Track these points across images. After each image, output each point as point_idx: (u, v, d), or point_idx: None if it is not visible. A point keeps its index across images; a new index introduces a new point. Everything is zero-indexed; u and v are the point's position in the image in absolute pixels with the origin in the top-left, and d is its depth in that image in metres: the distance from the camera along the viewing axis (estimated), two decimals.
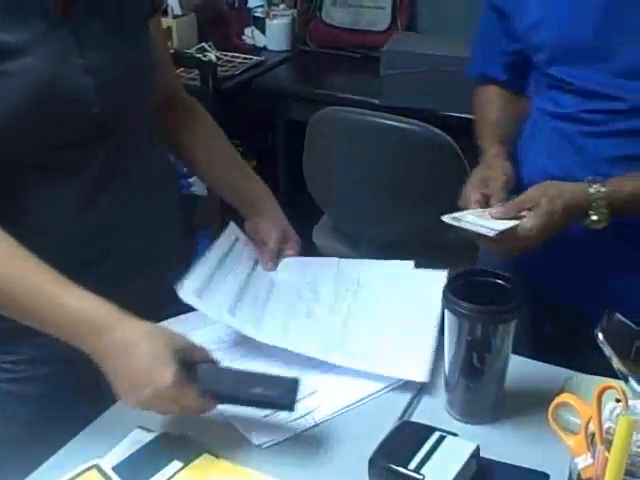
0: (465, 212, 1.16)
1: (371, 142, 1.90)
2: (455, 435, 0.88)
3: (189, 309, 1.05)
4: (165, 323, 0.99)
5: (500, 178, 1.23)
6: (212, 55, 2.43)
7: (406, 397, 0.99)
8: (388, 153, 1.88)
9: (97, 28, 1.01)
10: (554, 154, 1.28)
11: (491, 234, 1.09)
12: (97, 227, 1.05)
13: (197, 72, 2.33)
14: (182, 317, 1.08)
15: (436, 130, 1.83)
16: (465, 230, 1.12)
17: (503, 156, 1.30)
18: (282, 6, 2.70)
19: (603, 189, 1.12)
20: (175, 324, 0.98)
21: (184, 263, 1.10)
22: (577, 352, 1.16)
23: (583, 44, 1.21)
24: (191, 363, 0.88)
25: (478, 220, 1.12)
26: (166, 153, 1.25)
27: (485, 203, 1.19)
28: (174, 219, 1.22)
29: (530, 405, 0.96)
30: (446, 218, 1.13)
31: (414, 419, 0.95)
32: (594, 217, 1.13)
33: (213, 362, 0.91)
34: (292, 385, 0.89)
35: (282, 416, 0.94)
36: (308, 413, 0.96)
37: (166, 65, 1.22)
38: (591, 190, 1.12)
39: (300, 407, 0.94)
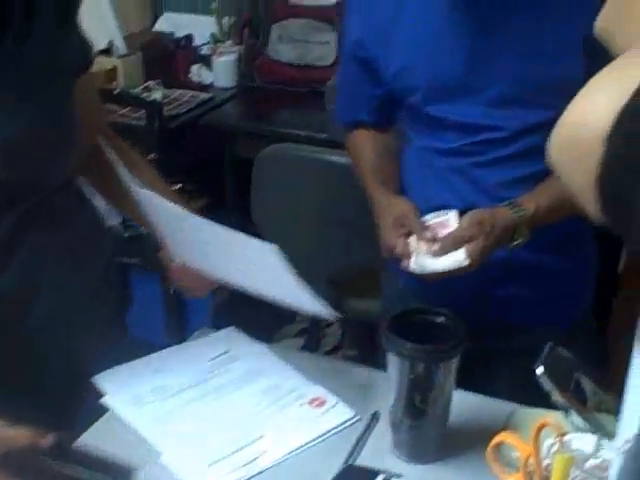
0: (414, 258, 1.19)
1: (318, 178, 1.91)
2: (399, 476, 0.88)
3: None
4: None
5: (408, 212, 1.26)
6: (158, 94, 2.43)
7: (351, 440, 0.99)
8: (336, 189, 1.89)
9: (8, 94, 0.95)
10: (449, 187, 1.32)
11: (465, 263, 1.14)
12: (7, 291, 1.00)
13: (143, 111, 2.33)
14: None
15: None
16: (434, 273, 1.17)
17: (392, 194, 1.34)
18: (228, 43, 2.71)
19: (525, 211, 1.19)
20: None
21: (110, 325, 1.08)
22: (520, 384, 1.18)
23: (455, 82, 1.26)
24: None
25: (435, 260, 1.17)
26: (96, 211, 1.19)
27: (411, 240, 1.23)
28: (100, 284, 1.16)
29: (474, 442, 0.96)
30: (412, 270, 1.19)
31: (361, 461, 0.95)
32: (520, 239, 1.19)
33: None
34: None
35: (229, 462, 0.94)
36: (254, 459, 0.96)
37: (94, 116, 1.16)
38: (516, 214, 1.18)
39: (246, 454, 0.93)
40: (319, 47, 2.68)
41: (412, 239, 1.22)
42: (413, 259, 1.20)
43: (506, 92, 1.23)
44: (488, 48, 1.23)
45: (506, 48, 1.23)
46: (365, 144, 1.44)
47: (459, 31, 1.24)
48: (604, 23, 0.77)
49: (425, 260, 1.19)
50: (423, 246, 1.20)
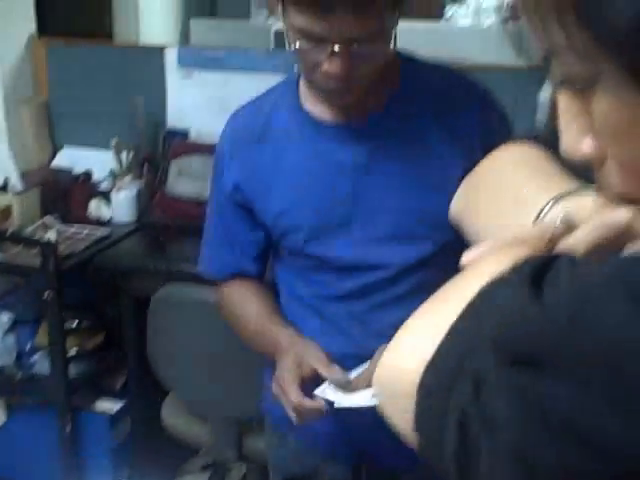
0: (329, 392, 1.19)
1: (214, 319, 1.90)
2: None
3: None
4: None
5: (314, 354, 1.26)
6: (53, 234, 2.41)
7: None
8: (231, 330, 1.89)
9: None
10: (342, 333, 1.32)
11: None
12: None
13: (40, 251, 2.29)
14: None
15: None
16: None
17: (295, 333, 1.33)
18: (127, 178, 2.73)
19: None
20: None
21: None
22: None
23: (337, 220, 1.28)
24: None
25: (346, 396, 1.16)
26: None
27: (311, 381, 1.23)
28: None
29: None
30: (337, 406, 1.18)
31: None
32: None
33: None
34: None
35: None
36: None
37: None
38: None
39: None
40: None
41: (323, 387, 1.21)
42: (322, 388, 1.19)
43: (390, 227, 1.25)
44: (370, 184, 1.26)
45: (388, 183, 1.26)
46: (251, 294, 1.43)
47: (339, 169, 1.27)
48: (455, 209, 0.82)
49: (335, 394, 1.18)
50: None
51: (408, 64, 1.29)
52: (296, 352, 1.27)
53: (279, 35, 3.89)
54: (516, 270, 0.46)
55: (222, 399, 2.03)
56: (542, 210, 0.62)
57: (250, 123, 1.38)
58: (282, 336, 1.33)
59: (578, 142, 0.55)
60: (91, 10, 3.70)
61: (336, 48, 1.14)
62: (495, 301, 0.45)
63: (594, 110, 0.53)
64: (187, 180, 2.74)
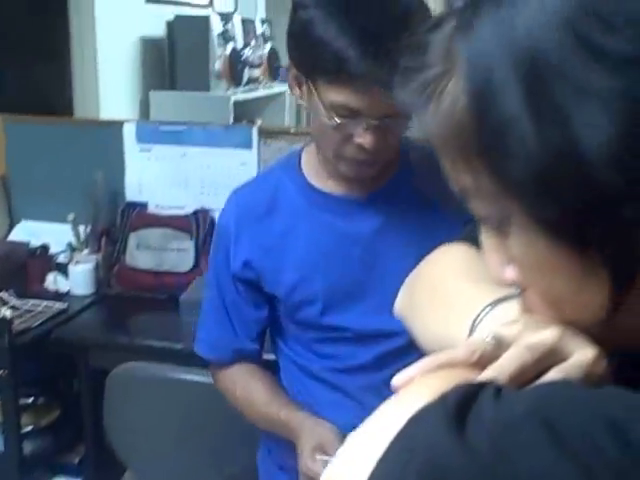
0: None
1: (173, 397, 1.90)
2: None
3: None
4: None
5: (331, 437, 1.25)
6: (8, 309, 2.38)
7: None
8: (191, 407, 1.88)
9: None
10: (363, 408, 1.32)
11: None
12: None
13: None
14: None
15: None
16: None
17: (308, 416, 1.33)
18: (85, 251, 2.72)
19: None
20: None
21: None
22: None
23: (353, 287, 1.30)
24: None
25: None
26: None
27: None
28: None
29: None
30: None
31: None
32: None
33: None
34: None
35: None
36: None
37: None
38: None
39: None
40: (176, 254, 2.73)
41: None
42: None
43: None
44: (381, 252, 1.28)
45: (399, 250, 1.28)
46: (254, 376, 1.42)
47: (350, 240, 1.29)
48: (398, 307, 0.84)
49: None
50: None
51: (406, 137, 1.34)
52: (314, 438, 1.27)
53: (238, 105, 3.97)
54: (441, 402, 0.47)
55: (181, 476, 2.00)
56: (477, 318, 0.64)
57: (256, 199, 1.40)
58: (295, 421, 1.32)
59: (501, 270, 0.58)
60: (50, 85, 3.74)
61: (372, 122, 1.19)
62: (419, 438, 0.45)
63: (511, 245, 0.56)
64: (146, 252, 2.75)
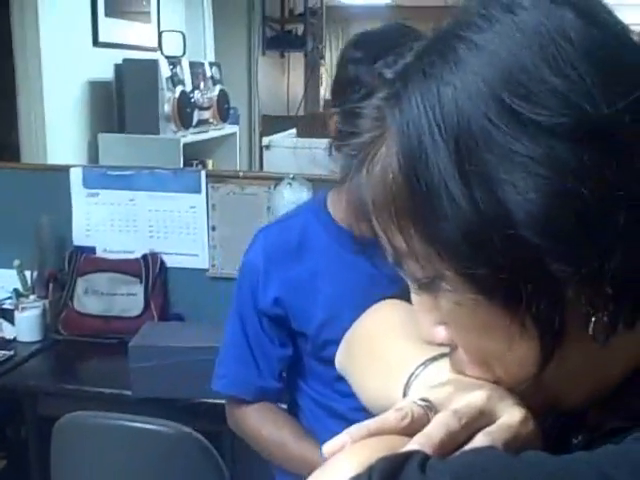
0: None
1: (122, 445, 1.87)
2: None
3: None
4: None
5: None
6: None
7: None
8: (141, 456, 1.86)
9: None
10: None
11: None
12: None
13: None
14: None
15: (186, 429, 1.84)
16: None
17: None
18: (32, 297, 2.69)
19: None
20: None
21: None
22: None
23: None
24: None
25: None
26: None
27: None
28: None
29: None
30: None
31: None
32: None
33: None
34: None
35: None
36: None
37: None
38: None
39: None
40: (126, 299, 2.72)
41: None
42: None
43: None
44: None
45: None
46: (279, 416, 1.43)
47: (374, 280, 1.31)
48: (338, 361, 0.85)
49: None
50: None
51: None
52: None
53: (188, 147, 3.98)
54: (367, 474, 0.47)
55: None
56: (411, 377, 0.65)
57: (285, 238, 1.44)
58: None
59: (432, 330, 0.60)
60: (1, 128, 3.72)
61: None
62: None
63: (441, 306, 0.57)
64: (94, 297, 2.73)
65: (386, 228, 0.57)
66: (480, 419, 0.55)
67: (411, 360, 0.66)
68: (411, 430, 0.54)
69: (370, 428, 0.55)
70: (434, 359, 0.65)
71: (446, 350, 0.63)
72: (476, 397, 0.56)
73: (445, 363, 0.63)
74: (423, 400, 0.57)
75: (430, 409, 0.56)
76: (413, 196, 0.53)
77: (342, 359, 0.85)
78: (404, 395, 0.64)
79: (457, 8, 0.57)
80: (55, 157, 3.69)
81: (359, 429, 0.55)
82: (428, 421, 0.55)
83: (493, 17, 0.54)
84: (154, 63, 3.95)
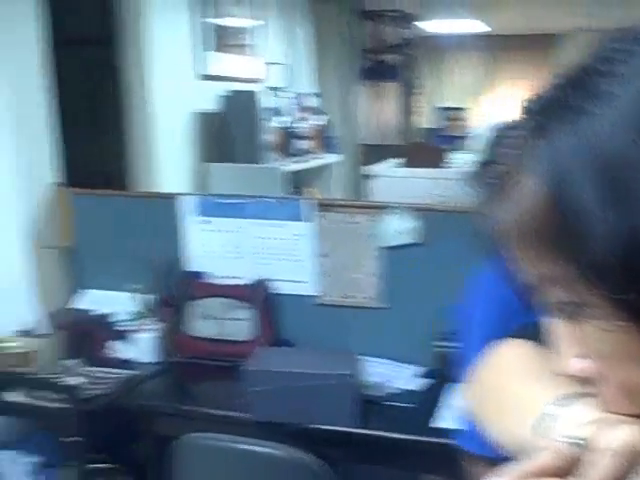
0: None
1: (239, 469, 1.93)
2: None
3: None
4: None
5: None
6: (76, 377, 2.46)
7: None
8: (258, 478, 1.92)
9: None
10: None
11: None
12: None
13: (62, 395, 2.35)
14: None
15: (303, 454, 1.88)
16: None
17: None
18: (148, 320, 2.81)
19: None
20: None
21: None
22: None
23: None
24: None
25: None
26: None
27: None
28: None
29: None
30: None
31: None
32: None
33: None
34: None
35: None
36: None
37: None
38: None
39: None
40: (236, 323, 2.80)
41: None
42: None
43: None
44: None
45: None
46: None
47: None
48: (469, 409, 0.85)
49: None
50: None
51: None
52: None
53: (289, 176, 4.07)
54: None
55: None
56: (542, 416, 0.63)
57: None
58: None
59: (574, 362, 0.59)
60: (111, 158, 3.89)
61: None
62: None
63: (585, 334, 0.56)
64: (206, 321, 2.83)
65: (530, 253, 0.57)
66: (637, 458, 0.54)
67: (541, 399, 0.65)
68: (565, 471, 0.54)
69: (524, 470, 0.54)
70: (567, 397, 0.63)
71: (578, 388, 0.61)
72: (629, 435, 0.54)
73: (583, 399, 0.61)
74: (572, 439, 0.56)
75: (581, 448, 0.55)
76: (562, 222, 0.54)
77: (472, 405, 0.85)
78: (536, 435, 0.63)
79: (585, 42, 0.59)
80: (160, 185, 3.84)
81: (517, 472, 0.54)
82: (581, 461, 0.54)
83: (630, 51, 0.55)
84: (257, 94, 4.08)
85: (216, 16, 4.27)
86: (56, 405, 2.35)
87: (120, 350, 2.78)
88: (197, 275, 2.93)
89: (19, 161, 2.94)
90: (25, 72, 2.94)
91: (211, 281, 2.91)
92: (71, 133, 3.20)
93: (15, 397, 2.44)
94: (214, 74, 4.34)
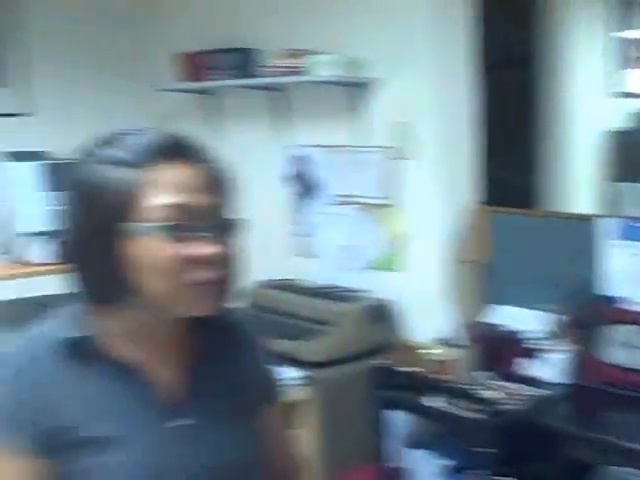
0: None
1: None
2: None
3: None
4: None
5: None
6: (493, 390, 2.58)
7: None
8: None
9: (202, 421, 1.02)
10: None
11: None
12: None
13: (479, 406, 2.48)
14: None
15: None
16: None
17: None
18: (558, 341, 2.83)
19: None
20: None
21: None
22: None
23: None
24: None
25: None
26: None
27: None
28: None
29: None
30: None
31: None
32: None
33: None
34: None
35: None
36: None
37: (277, 451, 1.22)
38: None
39: None
40: None
41: None
42: None
43: None
44: None
45: None
46: None
47: None
48: None
49: None
50: None
51: None
52: None
53: None
54: None
55: None
56: None
57: None
58: None
59: None
60: (524, 175, 3.98)
61: None
62: None
63: None
64: (617, 347, 2.78)
65: None
66: None
67: None
68: None
69: None
70: None
71: None
72: None
73: None
74: None
75: None
76: None
77: None
78: None
79: None
80: (570, 203, 3.84)
81: None
82: None
83: None
84: None
85: (629, 29, 4.16)
86: (471, 415, 2.49)
87: (528, 368, 2.85)
88: (611, 300, 2.88)
89: (442, 181, 3.14)
90: (453, 98, 3.14)
91: (626, 307, 2.85)
92: (492, 154, 3.34)
93: (434, 402, 2.63)
94: (626, 91, 4.23)
